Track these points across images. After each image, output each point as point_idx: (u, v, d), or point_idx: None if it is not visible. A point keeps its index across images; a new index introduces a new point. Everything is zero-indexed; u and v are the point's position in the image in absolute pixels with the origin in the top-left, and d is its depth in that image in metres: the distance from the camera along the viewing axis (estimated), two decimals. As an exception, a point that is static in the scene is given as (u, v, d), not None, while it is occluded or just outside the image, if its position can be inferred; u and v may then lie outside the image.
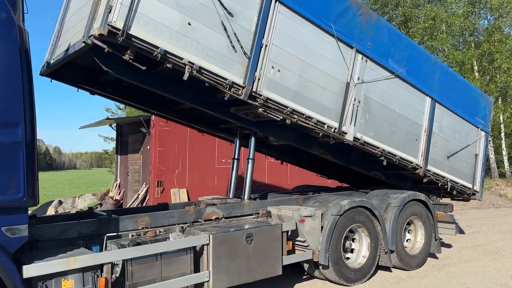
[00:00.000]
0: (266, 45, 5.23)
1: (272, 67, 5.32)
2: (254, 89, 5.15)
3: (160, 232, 5.04)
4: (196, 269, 4.83)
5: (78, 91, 6.28)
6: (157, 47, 4.37)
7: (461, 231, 10.48)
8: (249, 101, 5.16)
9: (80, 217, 5.15)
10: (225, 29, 4.83)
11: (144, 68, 4.51)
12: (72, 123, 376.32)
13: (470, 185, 8.38)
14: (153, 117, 13.64)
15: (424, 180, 7.62)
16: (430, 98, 7.40)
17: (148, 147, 13.79)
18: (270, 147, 7.97)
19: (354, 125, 6.31)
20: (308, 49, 5.69)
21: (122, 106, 26.73)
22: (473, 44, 24.93)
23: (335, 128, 6.07)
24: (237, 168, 7.27)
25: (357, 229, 6.49)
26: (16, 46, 3.77)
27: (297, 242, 5.94)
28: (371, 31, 6.43)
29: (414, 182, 8.38)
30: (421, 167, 7.35)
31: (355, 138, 6.34)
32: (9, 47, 3.73)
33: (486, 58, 24.43)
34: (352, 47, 6.18)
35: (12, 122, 3.70)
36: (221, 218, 5.78)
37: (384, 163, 6.90)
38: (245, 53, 5.07)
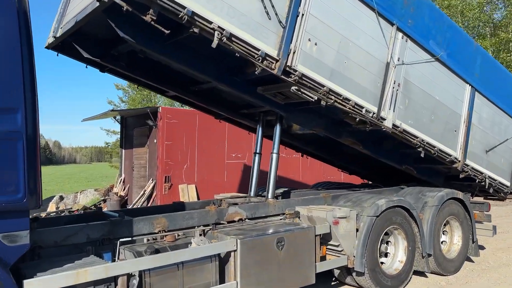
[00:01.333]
0: (302, 14, 4.61)
1: (309, 40, 4.70)
2: (288, 63, 4.53)
3: (178, 235, 4.44)
4: (222, 279, 4.22)
5: (86, 67, 5.69)
6: (184, 7, 3.76)
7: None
8: (282, 76, 4.54)
9: (88, 218, 4.56)
10: (259, -9, 4.22)
11: (167, 32, 3.89)
12: (72, 118, 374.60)
13: (508, 183, 7.73)
14: (160, 108, 13.06)
15: (461, 176, 6.97)
16: (470, 86, 6.75)
17: (155, 141, 13.15)
18: (293, 136, 7.33)
19: (393, 111, 5.69)
20: (347, 22, 5.07)
21: (125, 98, 26.10)
22: (488, 35, 24.05)
23: (374, 113, 5.44)
24: (259, 162, 6.60)
25: (393, 231, 5.87)
26: (13, 7, 3.12)
27: (329, 247, 5.33)
28: (412, 8, 5.81)
29: (446, 178, 7.78)
30: (459, 161, 6.70)
31: (394, 126, 5.71)
32: (3, 9, 3.09)
33: (504, 47, 23.54)
34: (392, 24, 5.55)
35: (10, 107, 3.07)
36: (245, 219, 5.16)
37: (422, 155, 6.25)
38: (280, 22, 4.45)
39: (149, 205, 12.39)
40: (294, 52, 4.56)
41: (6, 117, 3.05)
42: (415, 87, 5.98)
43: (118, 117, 15.70)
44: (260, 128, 6.52)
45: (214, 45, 4.00)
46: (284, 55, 4.48)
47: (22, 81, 3.13)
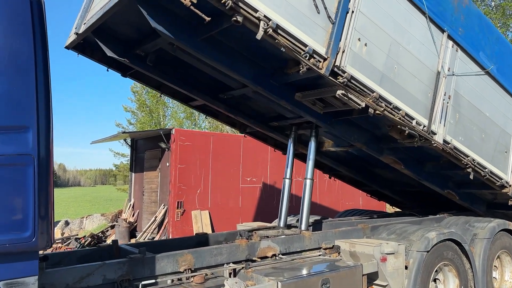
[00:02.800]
0: (352, 11, 4.14)
1: (359, 39, 4.21)
2: (337, 63, 4.03)
3: (207, 275, 3.86)
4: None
5: (108, 70, 5.24)
6: (228, -9, 3.30)
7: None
8: (330, 78, 4.03)
9: (103, 254, 4.05)
10: (308, -19, 3.78)
11: (208, 19, 3.42)
12: (78, 141, 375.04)
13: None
14: (173, 130, 12.56)
15: (510, 203, 6.32)
16: (520, 105, 6.21)
17: (168, 164, 12.60)
18: (325, 155, 6.76)
19: (444, 125, 5.13)
20: (397, 25, 4.60)
21: (133, 120, 25.55)
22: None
23: (424, 126, 4.89)
24: (289, 188, 5.95)
25: (443, 267, 5.21)
26: (28, 10, 2.64)
27: (375, 287, 4.70)
28: (463, 16, 5.36)
29: (488, 206, 7.11)
30: (510, 186, 6.07)
31: (445, 141, 5.14)
32: (17, 7, 2.61)
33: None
34: (443, 31, 5.09)
35: (20, 126, 2.51)
36: (278, 254, 4.55)
37: (471, 176, 5.64)
38: (329, 17, 3.98)
39: (160, 232, 11.70)
40: (343, 52, 4.07)
41: (14, 137, 2.46)
42: (465, 101, 5.45)
43: (129, 139, 15.23)
44: (291, 144, 5.94)
45: (259, 36, 3.52)
46: (333, 53, 3.99)
47: (35, 94, 2.56)
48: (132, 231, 13.09)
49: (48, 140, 2.62)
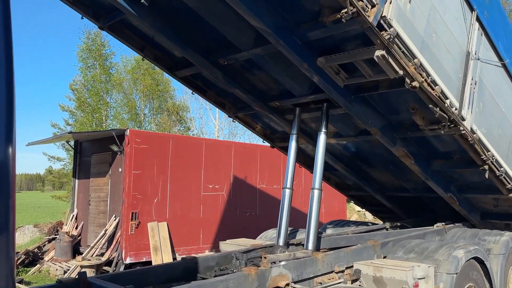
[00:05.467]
0: (397, -41, 3.51)
1: (404, -8, 3.57)
2: (384, 13, 3.35)
3: None
4: None
5: (82, 18, 4.19)
6: None
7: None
8: (376, 30, 3.31)
9: None
10: None
11: None
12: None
13: None
14: (128, 131, 11.15)
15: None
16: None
17: (120, 170, 11.19)
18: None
19: (471, 112, 4.59)
20: (435, -11, 4.05)
21: (71, 121, 23.11)
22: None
23: (456, 108, 4.31)
24: (290, 200, 4.97)
25: (466, 290, 4.61)
26: None
27: None
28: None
29: (482, 215, 6.72)
30: (520, 190, 5.65)
31: (472, 130, 4.59)
32: None
33: None
34: (473, 10, 4.62)
35: None
36: (290, 283, 3.66)
37: (487, 175, 5.13)
38: (378, -43, 3.30)
39: (111, 247, 10.20)
40: (390, 2, 3.40)
41: None
42: (487, 92, 4.99)
43: (72, 141, 13.61)
44: (294, 135, 5.03)
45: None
46: (382, 0, 3.30)
47: None
48: (75, 246, 11.41)
49: (9, 141, 1.68)
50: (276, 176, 13.37)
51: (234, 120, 5.69)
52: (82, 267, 9.27)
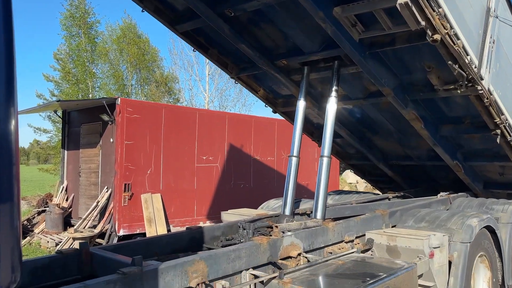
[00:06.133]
0: None
1: None
2: (409, -43, 3.05)
3: None
4: None
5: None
6: None
7: None
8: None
9: (68, 263, 2.92)
10: None
11: None
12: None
13: None
14: (119, 100, 10.73)
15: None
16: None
17: (112, 140, 10.84)
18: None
19: (489, 72, 4.37)
20: None
21: (57, 92, 22.26)
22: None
23: (475, 66, 4.08)
24: (296, 168, 4.74)
25: (477, 259, 4.50)
26: None
27: None
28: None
29: (485, 185, 6.62)
30: (529, 156, 5.51)
31: (489, 90, 4.38)
32: None
33: None
34: (493, -39, 4.35)
35: None
36: (301, 253, 3.49)
37: (498, 140, 4.98)
38: None
39: (104, 219, 9.97)
40: None
41: None
42: (503, 53, 4.79)
43: (59, 111, 13.15)
44: (302, 95, 4.76)
45: None
46: None
47: None
48: (66, 218, 11.15)
49: (9, 116, 1.52)
50: (270, 147, 13.18)
51: (236, 82, 5.39)
52: (74, 239, 9.05)
